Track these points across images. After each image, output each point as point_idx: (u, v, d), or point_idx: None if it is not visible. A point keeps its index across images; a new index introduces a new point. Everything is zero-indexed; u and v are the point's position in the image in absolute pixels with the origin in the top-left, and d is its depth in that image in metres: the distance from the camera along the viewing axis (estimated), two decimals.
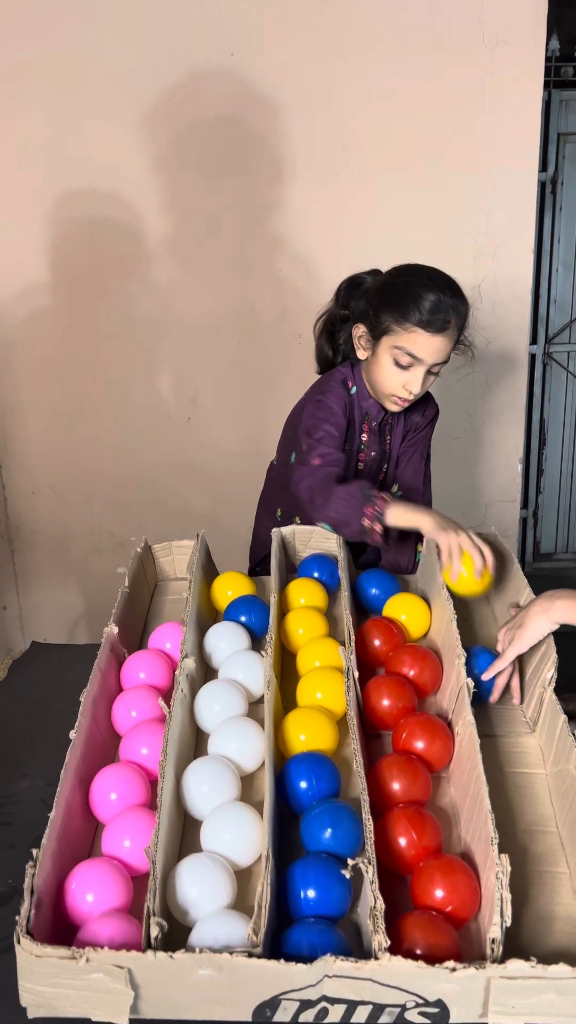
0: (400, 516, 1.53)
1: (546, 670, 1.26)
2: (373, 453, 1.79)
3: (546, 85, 3.08)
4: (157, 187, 2.69)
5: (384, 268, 1.74)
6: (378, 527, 1.53)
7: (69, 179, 2.70)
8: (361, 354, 1.69)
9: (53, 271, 2.79)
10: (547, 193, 3.41)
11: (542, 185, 3.36)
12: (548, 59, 2.78)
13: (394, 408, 1.68)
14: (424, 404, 1.83)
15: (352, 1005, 0.85)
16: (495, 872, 0.88)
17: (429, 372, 1.62)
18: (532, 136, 2.61)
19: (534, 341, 3.55)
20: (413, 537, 1.75)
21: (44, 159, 2.68)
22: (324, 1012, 0.86)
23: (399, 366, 1.61)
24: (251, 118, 2.61)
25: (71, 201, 2.72)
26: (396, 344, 1.59)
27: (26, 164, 2.68)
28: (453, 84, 2.55)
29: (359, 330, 1.68)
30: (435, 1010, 0.84)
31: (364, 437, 1.77)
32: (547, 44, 2.54)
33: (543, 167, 3.32)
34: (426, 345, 1.57)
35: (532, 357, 3.56)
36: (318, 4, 2.51)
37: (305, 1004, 0.85)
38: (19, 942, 0.84)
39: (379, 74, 2.56)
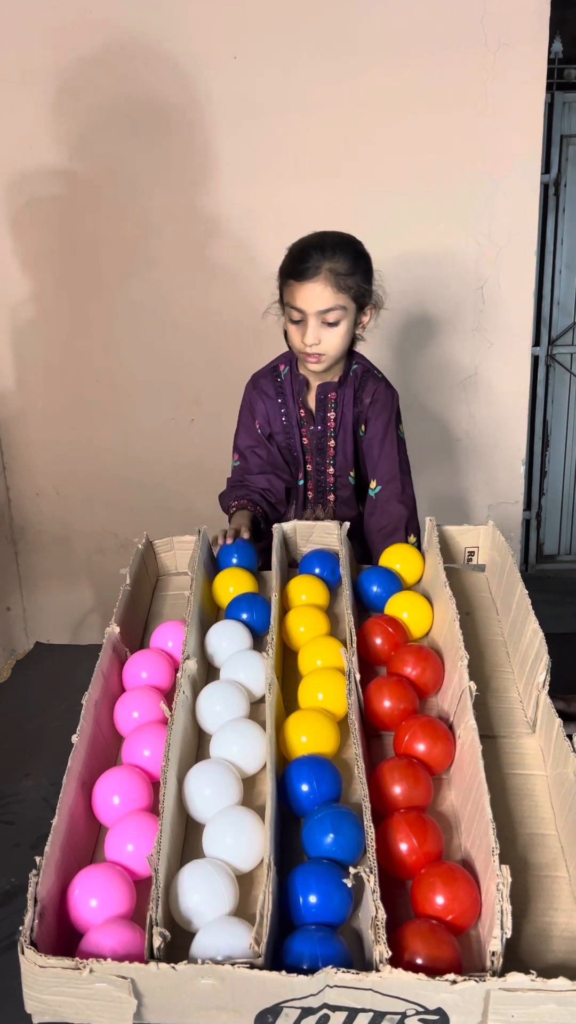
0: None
1: (539, 673, 1.26)
2: (313, 427, 1.84)
3: (549, 87, 3.08)
4: (158, 189, 2.70)
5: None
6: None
7: (70, 180, 2.70)
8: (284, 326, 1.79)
9: (55, 274, 2.80)
10: (550, 195, 3.41)
11: (545, 187, 3.37)
12: (551, 61, 2.78)
13: (314, 367, 1.75)
14: (374, 385, 1.84)
15: (353, 1013, 0.85)
16: (496, 883, 0.88)
17: (325, 323, 1.68)
18: (535, 138, 2.62)
19: (537, 343, 3.55)
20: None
21: (46, 160, 2.68)
22: (325, 1018, 0.87)
23: (293, 323, 1.71)
24: (254, 119, 2.62)
25: (73, 204, 2.73)
26: (285, 302, 1.72)
27: (29, 166, 2.69)
28: (455, 87, 2.56)
29: (278, 307, 1.78)
30: (435, 1017, 0.84)
31: (302, 413, 1.84)
32: (550, 46, 2.54)
33: (546, 169, 3.33)
34: (301, 294, 1.66)
35: (535, 359, 3.57)
36: (321, 6, 2.51)
37: (306, 1011, 0.86)
38: (23, 952, 0.85)
39: (381, 76, 2.56)
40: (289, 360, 1.85)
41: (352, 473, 1.87)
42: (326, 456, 1.85)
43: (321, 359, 1.72)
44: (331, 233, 1.71)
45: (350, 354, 1.82)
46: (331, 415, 1.83)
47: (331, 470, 1.86)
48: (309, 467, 1.87)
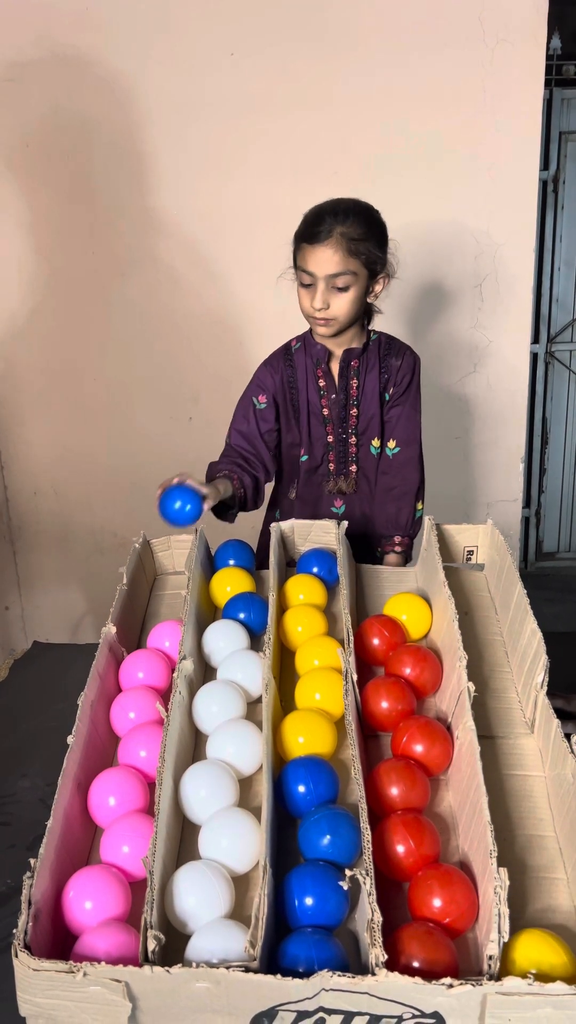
0: None
1: (537, 673, 1.26)
2: (334, 395, 1.83)
3: (547, 84, 3.08)
4: (156, 186, 2.69)
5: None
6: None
7: (69, 178, 2.70)
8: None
9: (52, 272, 2.79)
10: (548, 192, 3.41)
11: (543, 184, 3.36)
12: (549, 57, 2.78)
13: (322, 331, 1.75)
14: (401, 351, 1.85)
15: (349, 1016, 0.85)
16: (494, 886, 0.88)
17: (334, 288, 1.68)
18: (533, 135, 2.61)
19: (536, 340, 3.55)
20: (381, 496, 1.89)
21: (45, 157, 2.68)
22: (321, 1022, 0.86)
23: (303, 286, 1.71)
24: (251, 117, 2.61)
25: (69, 203, 2.72)
26: (296, 266, 1.72)
27: (28, 163, 2.68)
28: (454, 83, 2.55)
29: (291, 275, 1.77)
30: (431, 1021, 0.84)
31: (321, 382, 1.83)
32: (548, 43, 2.54)
33: (544, 166, 3.33)
34: (311, 257, 1.66)
35: (534, 356, 3.56)
36: (319, 3, 2.50)
37: (302, 1015, 0.85)
38: (17, 956, 0.84)
39: (379, 73, 2.55)
40: (303, 337, 1.85)
41: (375, 442, 1.86)
42: (348, 425, 1.84)
43: (329, 323, 1.72)
44: (347, 199, 1.70)
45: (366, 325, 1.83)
46: (354, 383, 1.82)
47: (353, 439, 1.85)
48: (330, 438, 1.85)
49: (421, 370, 1.87)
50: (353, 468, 1.88)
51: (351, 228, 1.65)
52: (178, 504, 1.59)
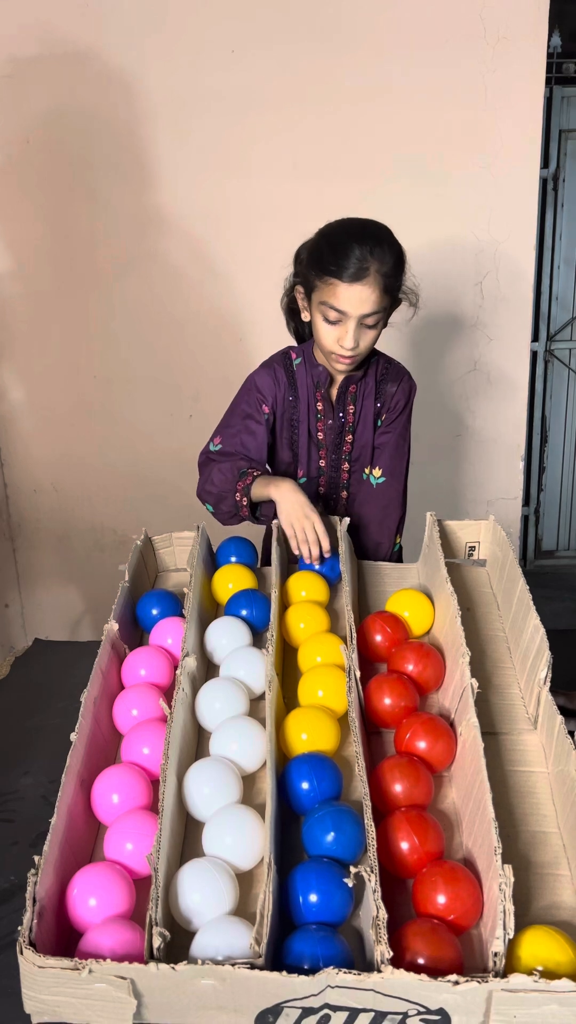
0: (259, 488, 1.62)
1: (540, 669, 1.26)
2: (330, 421, 1.76)
3: (547, 81, 3.08)
4: (160, 184, 2.69)
5: None
6: (245, 500, 1.64)
7: (70, 175, 2.69)
8: (304, 316, 1.69)
9: (53, 269, 2.79)
10: (549, 190, 3.41)
11: (544, 182, 3.36)
12: (549, 55, 2.77)
13: (340, 366, 1.65)
14: (398, 376, 1.78)
15: (354, 1013, 0.85)
16: (498, 883, 0.88)
17: (364, 326, 1.59)
18: (534, 133, 2.61)
19: (536, 338, 3.55)
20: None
21: (46, 153, 2.67)
22: (326, 1019, 0.86)
23: (328, 322, 1.59)
24: (252, 115, 2.60)
25: (71, 200, 2.72)
26: (321, 300, 1.58)
27: (27, 160, 2.67)
28: (454, 81, 2.55)
29: (299, 293, 1.68)
30: (436, 1018, 0.84)
31: (319, 406, 1.76)
32: (548, 40, 2.53)
33: (544, 164, 3.33)
34: (346, 296, 1.54)
35: (534, 354, 3.56)
36: (319, 1, 2.50)
37: (307, 1011, 0.85)
38: (22, 953, 0.84)
39: (380, 71, 2.55)
40: (302, 350, 1.76)
41: (368, 470, 1.80)
42: (342, 451, 1.79)
43: (354, 360, 1.63)
44: (370, 224, 1.59)
45: None
46: (351, 408, 1.75)
47: (346, 466, 1.80)
48: (323, 463, 1.80)
49: (421, 370, 1.83)
50: (344, 494, 1.83)
51: (385, 263, 1.54)
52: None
